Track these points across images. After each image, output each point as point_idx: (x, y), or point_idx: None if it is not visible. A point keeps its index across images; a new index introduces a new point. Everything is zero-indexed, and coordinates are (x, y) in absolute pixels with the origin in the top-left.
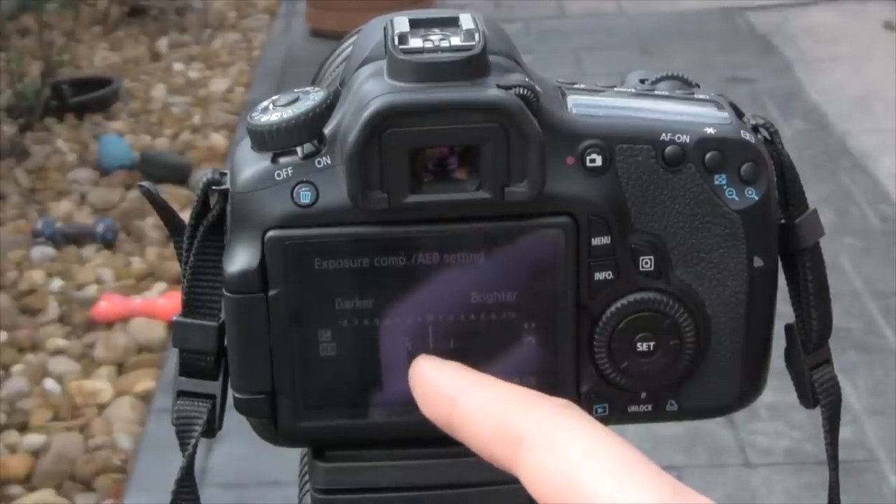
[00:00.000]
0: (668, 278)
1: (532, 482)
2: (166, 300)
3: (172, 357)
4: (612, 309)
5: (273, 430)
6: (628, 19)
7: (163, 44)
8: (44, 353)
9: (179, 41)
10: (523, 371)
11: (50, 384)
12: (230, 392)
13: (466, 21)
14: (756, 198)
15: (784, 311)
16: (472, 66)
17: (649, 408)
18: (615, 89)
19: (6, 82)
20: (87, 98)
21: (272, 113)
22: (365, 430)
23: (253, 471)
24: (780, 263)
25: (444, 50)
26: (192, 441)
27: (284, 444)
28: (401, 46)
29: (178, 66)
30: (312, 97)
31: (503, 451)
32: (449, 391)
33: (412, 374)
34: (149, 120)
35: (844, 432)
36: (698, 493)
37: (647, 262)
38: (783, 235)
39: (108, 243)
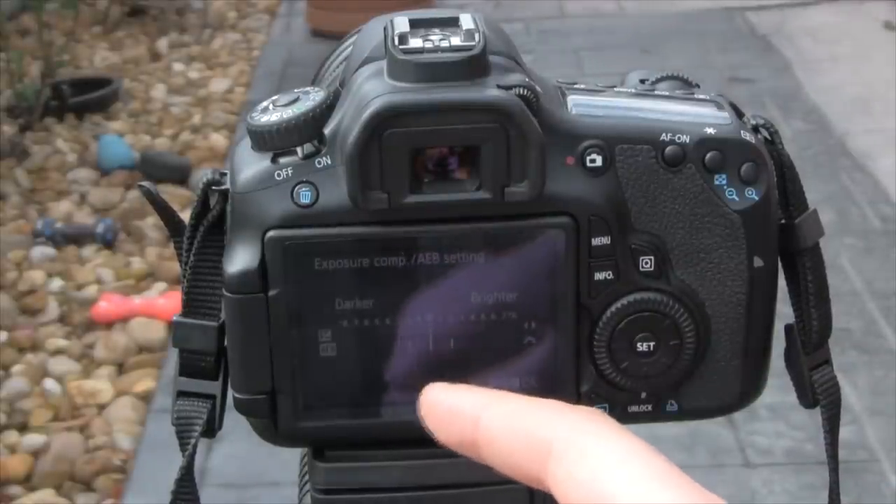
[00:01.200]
0: (668, 278)
1: (563, 493)
2: (166, 300)
3: (172, 357)
4: (612, 309)
5: (273, 430)
6: (628, 19)
7: (163, 44)
8: (44, 353)
9: (179, 41)
10: (523, 371)
11: (50, 384)
12: (230, 392)
13: (466, 21)
14: (756, 198)
15: (784, 311)
16: (472, 66)
17: (649, 408)
18: (615, 89)
19: (6, 82)
20: (87, 98)
21: (272, 113)
22: (365, 429)
23: (253, 471)
24: (780, 263)
25: (444, 50)
26: (192, 441)
27: (284, 444)
28: (401, 46)
29: (178, 66)
30: (312, 97)
31: (532, 463)
32: (471, 411)
33: (424, 404)
34: (149, 120)
35: (844, 432)
36: (726, 501)
37: (647, 262)
38: (783, 235)
39: (108, 243)
